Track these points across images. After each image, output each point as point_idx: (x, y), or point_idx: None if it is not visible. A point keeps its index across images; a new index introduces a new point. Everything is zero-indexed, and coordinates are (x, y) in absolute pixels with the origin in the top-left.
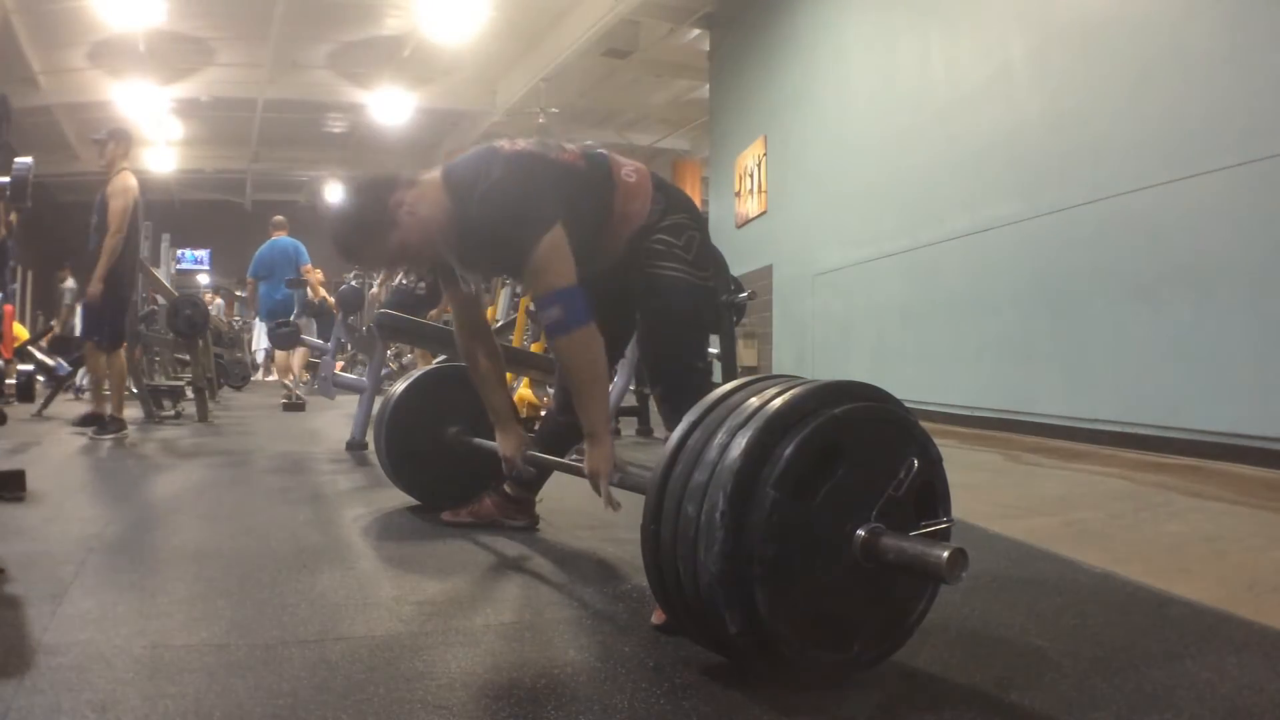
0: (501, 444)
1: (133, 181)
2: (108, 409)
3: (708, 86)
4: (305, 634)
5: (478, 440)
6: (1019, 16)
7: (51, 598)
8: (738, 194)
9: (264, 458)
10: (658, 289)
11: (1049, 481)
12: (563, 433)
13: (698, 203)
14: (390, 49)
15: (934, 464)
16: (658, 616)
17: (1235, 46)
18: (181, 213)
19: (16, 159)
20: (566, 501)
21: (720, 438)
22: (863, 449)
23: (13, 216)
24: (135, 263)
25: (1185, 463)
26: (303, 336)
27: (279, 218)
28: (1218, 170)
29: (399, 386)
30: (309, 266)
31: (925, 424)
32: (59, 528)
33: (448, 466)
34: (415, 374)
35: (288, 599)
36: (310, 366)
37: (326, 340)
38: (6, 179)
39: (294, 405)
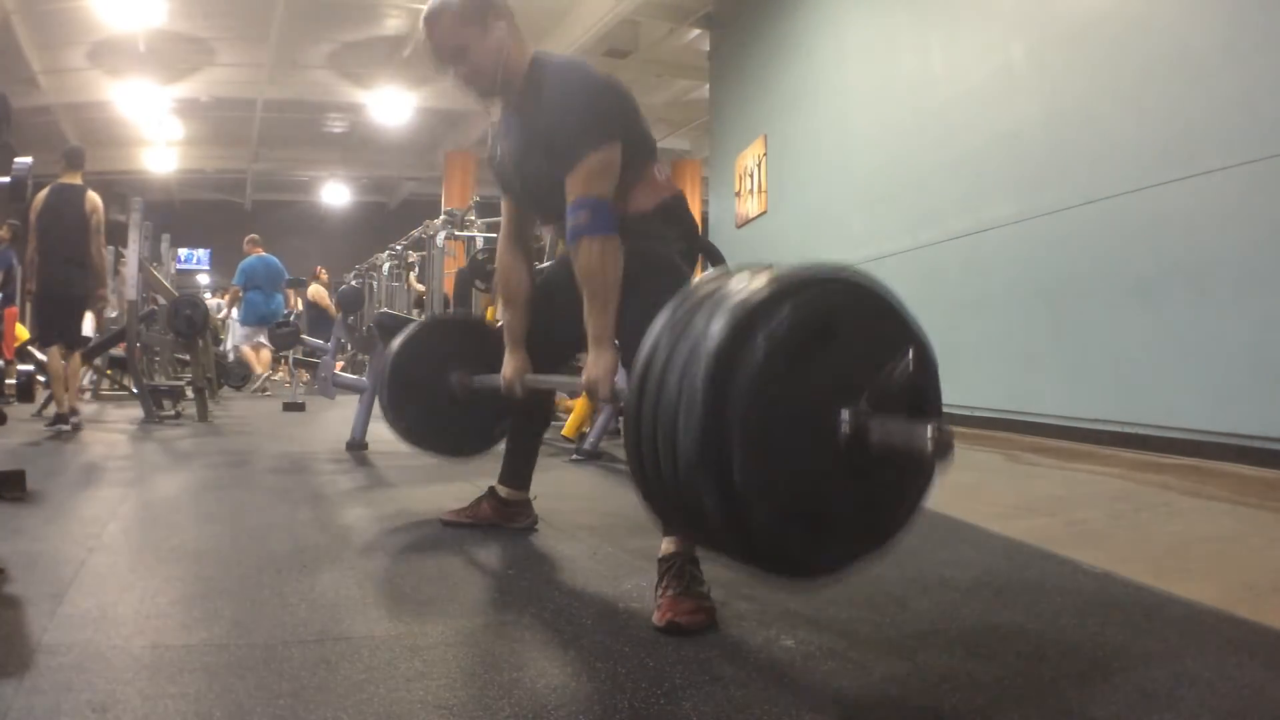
0: (505, 366)
1: (38, 195)
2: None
3: (708, 86)
4: (305, 634)
5: (479, 378)
6: (1019, 16)
7: (51, 598)
8: (738, 194)
9: (264, 458)
10: (633, 264)
11: (1049, 481)
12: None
13: (697, 202)
14: (390, 49)
15: (930, 367)
16: (658, 617)
17: (1235, 46)
18: (181, 213)
19: (16, 159)
20: (567, 502)
21: (709, 306)
22: (860, 330)
23: (4, 231)
24: (50, 267)
25: (1185, 463)
26: (303, 336)
27: (255, 236)
28: (1217, 170)
29: (400, 336)
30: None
31: None
32: (59, 528)
33: (451, 413)
34: (418, 323)
35: (288, 599)
36: (309, 366)
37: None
38: (6, 179)
39: (294, 405)
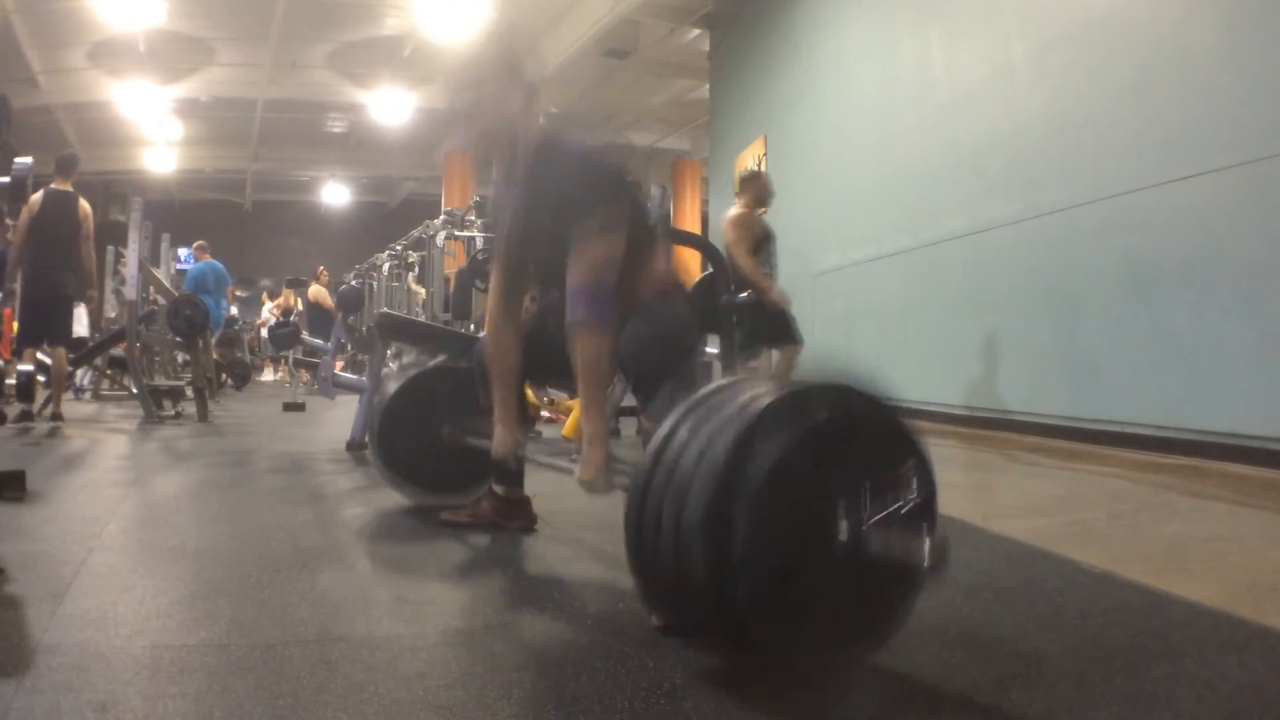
0: (497, 441)
1: (33, 198)
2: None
3: (708, 86)
4: (305, 634)
5: (471, 440)
6: (1019, 16)
7: (51, 598)
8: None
9: (264, 458)
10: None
11: (1049, 481)
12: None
13: (698, 203)
14: (390, 49)
15: (931, 478)
16: (658, 618)
17: (1235, 47)
18: (181, 213)
19: (16, 159)
20: (566, 502)
21: (748, 388)
22: (874, 439)
23: (9, 231)
24: (44, 270)
25: (1185, 463)
26: (303, 336)
27: (202, 242)
28: (1217, 170)
29: (390, 387)
30: (232, 287)
31: (925, 424)
32: (59, 528)
33: (441, 464)
34: (406, 373)
35: (288, 599)
36: (310, 366)
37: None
38: (6, 179)
39: (294, 405)
